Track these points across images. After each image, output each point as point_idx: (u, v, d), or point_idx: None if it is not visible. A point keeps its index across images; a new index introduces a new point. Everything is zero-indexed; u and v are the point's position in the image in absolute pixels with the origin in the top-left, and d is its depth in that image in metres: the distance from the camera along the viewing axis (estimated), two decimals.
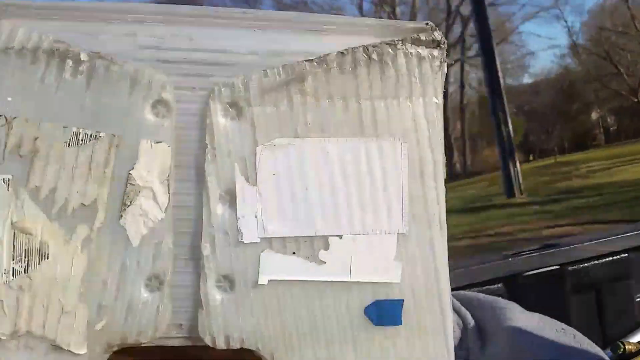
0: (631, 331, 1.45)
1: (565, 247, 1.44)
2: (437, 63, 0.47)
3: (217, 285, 0.44)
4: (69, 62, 0.43)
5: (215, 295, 0.44)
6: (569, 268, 1.43)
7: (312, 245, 0.45)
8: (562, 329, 1.00)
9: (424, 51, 0.47)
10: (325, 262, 0.45)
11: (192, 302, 0.44)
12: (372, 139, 0.46)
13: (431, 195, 0.47)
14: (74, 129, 0.43)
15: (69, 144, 0.43)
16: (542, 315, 1.03)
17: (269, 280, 0.44)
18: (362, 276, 0.45)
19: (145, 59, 0.44)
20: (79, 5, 0.45)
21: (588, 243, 1.46)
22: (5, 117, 0.43)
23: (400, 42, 0.46)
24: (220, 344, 0.44)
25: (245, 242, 0.44)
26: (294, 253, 0.45)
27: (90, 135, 0.43)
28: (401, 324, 0.45)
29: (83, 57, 0.43)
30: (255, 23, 0.46)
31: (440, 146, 0.47)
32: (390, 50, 0.46)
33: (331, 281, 0.45)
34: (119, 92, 0.44)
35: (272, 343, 0.44)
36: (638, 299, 1.50)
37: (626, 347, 1.25)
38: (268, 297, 0.44)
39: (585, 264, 1.45)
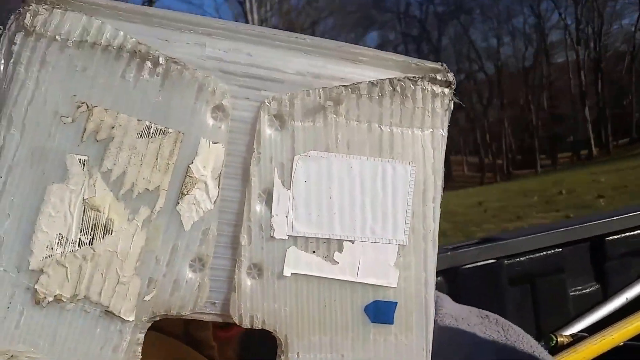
0: (565, 324, 1.56)
1: (502, 242, 1.53)
2: (447, 100, 0.56)
3: (248, 272, 0.52)
4: (148, 64, 0.50)
5: (246, 281, 0.52)
6: (505, 261, 1.53)
7: (329, 247, 0.53)
8: (486, 315, 1.13)
9: (437, 89, 0.56)
10: (338, 263, 0.53)
11: (227, 285, 0.52)
12: (388, 160, 0.54)
13: (429, 213, 0.55)
14: (147, 122, 0.50)
15: (140, 135, 0.50)
16: (469, 307, 1.17)
17: (292, 273, 0.52)
18: (366, 278, 0.54)
19: (209, 68, 0.51)
20: (157, 13, 0.52)
21: (523, 238, 1.55)
22: (87, 104, 0.49)
23: (420, 79, 0.55)
24: (246, 324, 0.52)
25: (276, 237, 0.52)
26: (313, 252, 0.53)
27: (160, 130, 0.50)
28: (393, 323, 0.54)
29: (161, 60, 0.50)
30: (303, 47, 0.53)
31: (441, 172, 0.56)
32: (411, 85, 0.55)
33: (341, 280, 0.53)
34: (187, 95, 0.51)
35: (287, 327, 0.53)
36: (572, 294, 1.61)
37: (558, 339, 1.38)
38: (289, 287, 0.52)
39: (520, 258, 1.55)
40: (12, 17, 0.50)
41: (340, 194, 0.53)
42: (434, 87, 0.55)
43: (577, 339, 1.41)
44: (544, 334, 1.45)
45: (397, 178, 0.55)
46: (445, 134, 0.56)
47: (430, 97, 0.55)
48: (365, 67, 0.55)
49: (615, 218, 1.66)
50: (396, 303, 0.55)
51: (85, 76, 0.50)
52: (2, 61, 0.50)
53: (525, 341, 1.06)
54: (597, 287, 1.66)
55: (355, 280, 0.54)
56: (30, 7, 0.50)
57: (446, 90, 0.56)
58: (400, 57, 0.56)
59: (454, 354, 0.99)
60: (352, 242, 0.54)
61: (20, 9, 0.50)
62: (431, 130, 0.56)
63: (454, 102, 0.57)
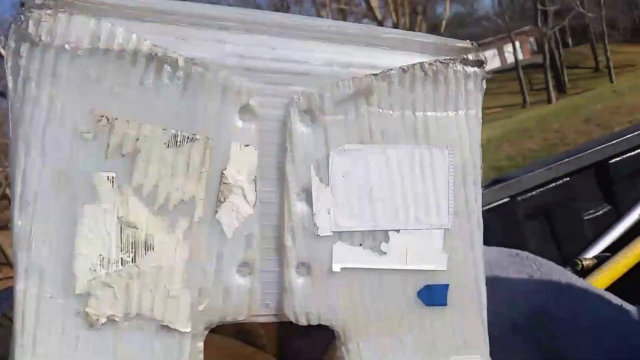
0: (585, 248, 1.60)
1: (513, 180, 1.58)
2: (479, 79, 0.56)
3: (297, 271, 0.52)
4: (167, 67, 0.49)
5: (296, 280, 0.52)
6: (518, 198, 1.57)
7: (375, 238, 0.53)
8: (517, 254, 1.15)
9: (469, 69, 0.55)
10: (385, 253, 0.53)
11: (277, 285, 0.52)
12: (425, 146, 0.54)
13: (471, 195, 0.56)
14: (173, 131, 0.49)
15: (168, 145, 0.49)
16: (498, 247, 1.19)
17: (341, 268, 0.53)
18: (415, 265, 0.54)
19: (231, 66, 0.50)
20: (169, 7, 0.50)
21: (532, 173, 1.60)
22: (107, 117, 0.48)
23: (451, 60, 0.54)
24: (302, 321, 0.52)
25: (320, 235, 0.52)
26: (360, 245, 0.53)
27: (187, 137, 0.49)
28: (446, 304, 0.55)
29: (180, 62, 0.49)
30: (327, 35, 0.53)
31: (479, 152, 0.56)
32: (443, 68, 0.54)
33: (391, 269, 0.54)
34: (212, 98, 0.50)
35: (343, 320, 0.53)
36: (586, 218, 1.66)
37: (584, 262, 1.41)
38: (340, 281, 0.53)
39: (533, 192, 1.59)
40: (12, 26, 0.48)
41: (380, 184, 0.53)
42: (466, 68, 0.55)
43: (601, 259, 1.44)
44: (568, 260, 1.48)
45: (436, 163, 0.55)
46: (480, 114, 0.56)
47: (462, 79, 0.55)
48: (393, 52, 0.55)
49: (616, 140, 1.69)
50: (447, 285, 0.55)
51: (101, 87, 0.49)
52: (10, 77, 0.48)
53: (559, 271, 1.08)
54: (609, 207, 1.70)
55: (405, 268, 0.54)
56: (32, 13, 0.48)
57: (478, 70, 0.56)
58: (430, 38, 0.56)
59: (495, 302, 1.01)
60: (398, 231, 0.54)
61: (21, 16, 0.47)
62: (465, 111, 0.55)
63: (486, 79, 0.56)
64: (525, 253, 1.14)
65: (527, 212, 1.54)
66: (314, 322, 0.53)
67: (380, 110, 0.53)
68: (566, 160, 1.60)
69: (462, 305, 0.56)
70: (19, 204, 0.48)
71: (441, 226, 0.55)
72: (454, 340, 0.55)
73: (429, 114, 0.54)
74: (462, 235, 0.55)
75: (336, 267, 0.53)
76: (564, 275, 1.08)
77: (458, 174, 0.55)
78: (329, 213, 0.52)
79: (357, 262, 0.53)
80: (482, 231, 0.56)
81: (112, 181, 0.49)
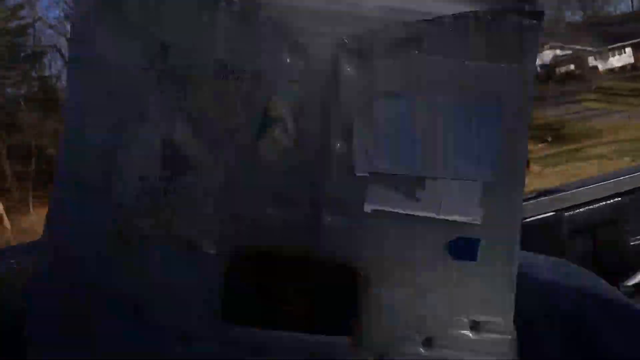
0: (626, 274, 1.55)
1: (561, 193, 1.54)
2: (536, 32, 0.56)
3: (328, 209, 0.55)
4: (223, 3, 0.53)
5: (327, 218, 0.55)
6: (565, 214, 1.53)
7: (410, 183, 0.56)
8: (556, 260, 1.13)
9: (526, 21, 0.56)
10: (419, 200, 0.56)
11: (306, 222, 0.55)
12: (473, 96, 0.55)
13: (517, 149, 0.56)
14: (223, 62, 0.54)
15: (218, 75, 0.54)
16: (535, 254, 1.16)
17: (372, 210, 0.55)
18: (449, 215, 0.56)
19: (284, 4, 0.54)
20: None
21: (583, 188, 1.56)
22: (163, 44, 0.53)
23: (508, 10, 0.55)
24: (327, 260, 0.55)
25: (356, 174, 0.55)
26: (395, 188, 0.56)
27: (237, 69, 0.54)
28: (476, 260, 0.56)
29: None
30: None
31: (529, 107, 0.57)
32: (498, 17, 0.55)
33: (422, 216, 0.56)
34: (264, 33, 0.54)
35: (368, 264, 0.56)
36: (633, 243, 1.61)
37: (621, 290, 1.39)
38: (370, 224, 0.56)
39: (580, 209, 1.54)
40: None
41: (422, 131, 0.56)
42: (523, 19, 0.56)
43: None
44: None
45: (483, 115, 0.56)
46: (533, 68, 0.57)
47: (518, 30, 0.56)
48: (450, 0, 0.56)
49: None
50: (480, 240, 0.56)
51: (160, 15, 0.53)
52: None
53: (601, 283, 1.06)
54: None
55: (437, 217, 0.56)
56: None
57: (535, 22, 0.56)
58: None
59: (526, 303, 0.99)
60: (434, 179, 0.56)
61: None
62: (519, 64, 0.56)
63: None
64: (564, 261, 1.11)
65: (572, 229, 1.50)
66: (339, 263, 0.56)
67: (431, 57, 0.55)
68: (622, 177, 1.56)
69: (492, 263, 0.57)
70: (71, 114, 0.53)
71: (481, 178, 0.56)
72: (478, 299, 0.57)
73: (480, 64, 0.56)
74: (502, 190, 0.57)
75: (367, 208, 0.55)
76: (608, 290, 1.05)
77: (506, 126, 0.56)
78: (367, 153, 0.55)
79: (390, 206, 0.56)
80: (523, 190, 0.57)
81: (163, 104, 0.53)
